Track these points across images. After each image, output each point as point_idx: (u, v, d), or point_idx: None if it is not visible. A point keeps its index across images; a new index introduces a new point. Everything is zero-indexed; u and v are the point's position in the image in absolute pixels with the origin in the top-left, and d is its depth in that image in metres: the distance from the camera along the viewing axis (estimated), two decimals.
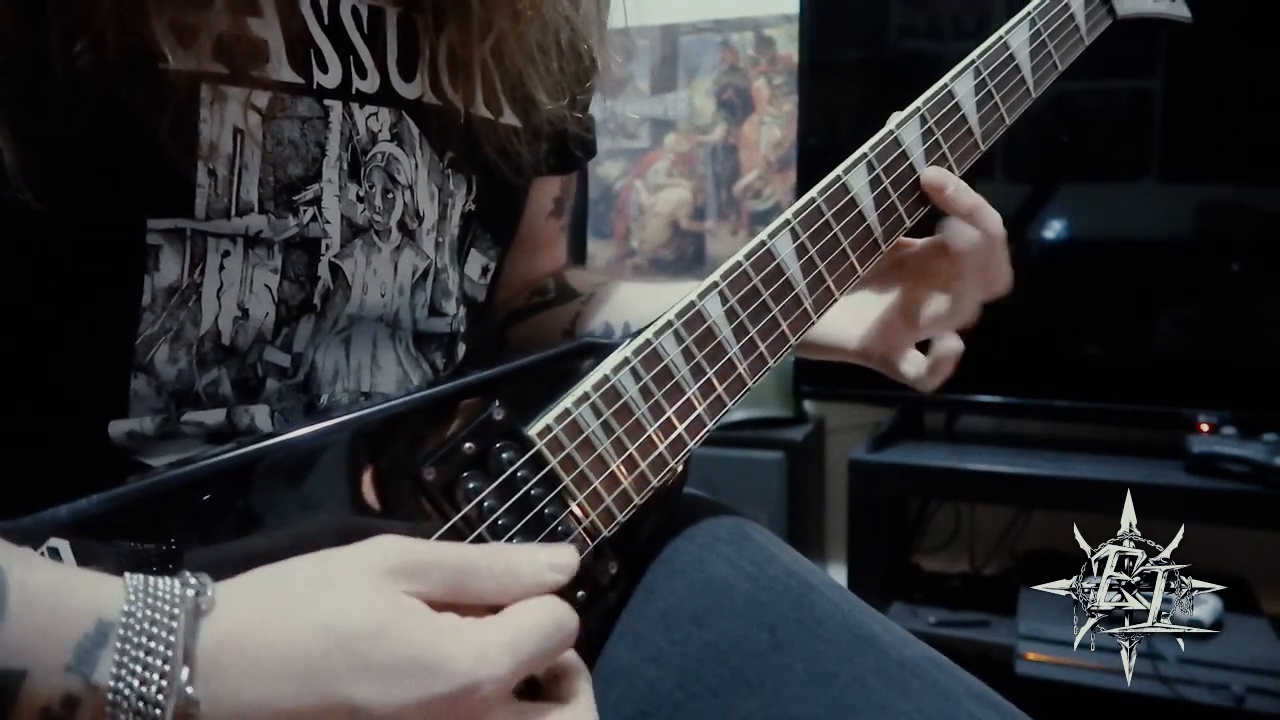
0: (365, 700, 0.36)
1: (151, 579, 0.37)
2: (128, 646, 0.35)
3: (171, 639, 0.35)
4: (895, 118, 0.60)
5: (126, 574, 0.37)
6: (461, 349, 0.63)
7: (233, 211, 0.49)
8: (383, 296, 0.56)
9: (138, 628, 0.35)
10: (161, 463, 0.49)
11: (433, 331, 0.61)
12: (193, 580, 0.37)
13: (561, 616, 0.42)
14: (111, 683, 0.34)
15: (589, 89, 0.68)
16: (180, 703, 0.35)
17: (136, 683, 0.34)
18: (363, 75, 0.54)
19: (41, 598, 0.35)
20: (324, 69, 0.52)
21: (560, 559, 0.45)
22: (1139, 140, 1.62)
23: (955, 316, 0.62)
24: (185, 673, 0.35)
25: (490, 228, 0.64)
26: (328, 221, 0.53)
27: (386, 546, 0.41)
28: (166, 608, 0.36)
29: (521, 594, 0.42)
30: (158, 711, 0.34)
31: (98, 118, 0.44)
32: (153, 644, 0.35)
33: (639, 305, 0.72)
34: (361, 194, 0.54)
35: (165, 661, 0.35)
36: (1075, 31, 0.66)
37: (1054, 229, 1.68)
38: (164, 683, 0.35)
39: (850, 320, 0.66)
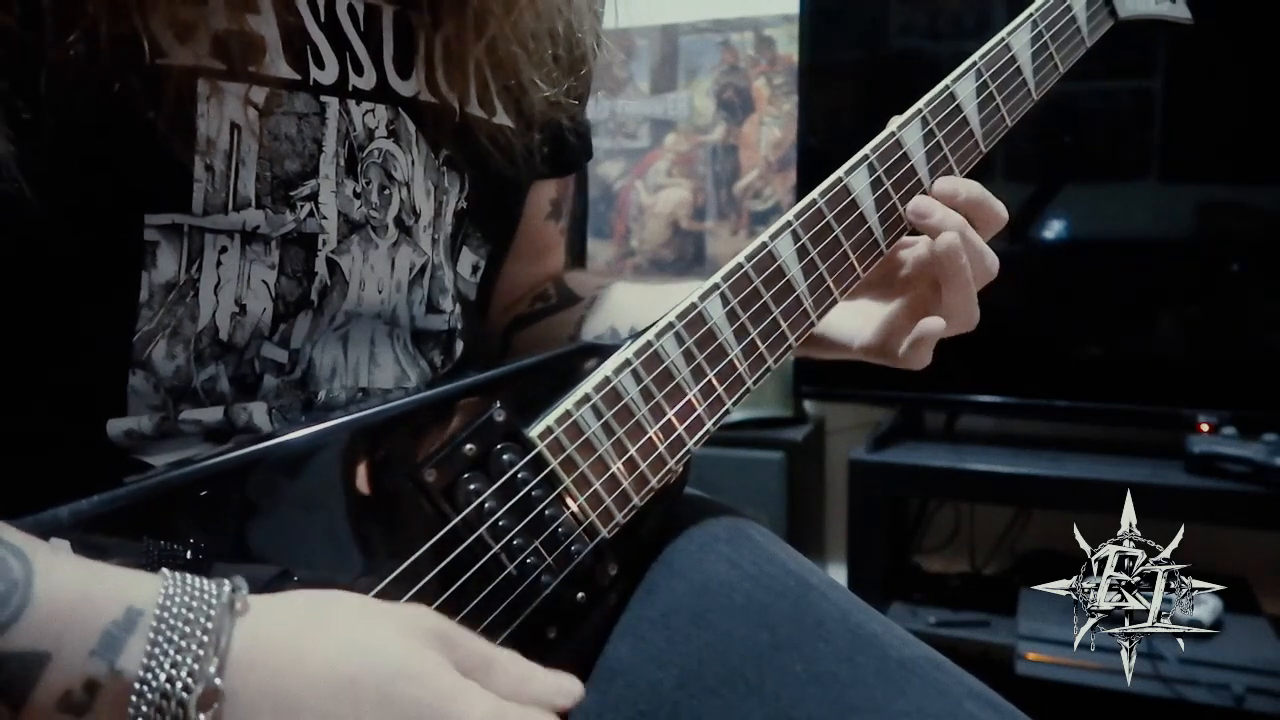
0: None
1: (189, 575, 0.38)
2: (162, 631, 0.35)
3: (209, 625, 0.36)
4: (897, 120, 0.60)
5: (164, 569, 0.38)
6: (459, 347, 0.63)
7: (230, 207, 0.49)
8: (380, 293, 0.56)
9: (174, 615, 0.36)
10: (160, 461, 0.49)
11: (430, 329, 0.61)
12: (228, 581, 0.38)
13: None
14: (140, 670, 0.35)
15: (584, 77, 0.68)
16: (207, 692, 0.35)
17: (168, 667, 0.35)
18: (359, 72, 0.54)
19: (69, 583, 0.35)
20: (320, 65, 0.52)
21: (570, 687, 0.45)
22: (1139, 140, 1.62)
23: (955, 324, 0.61)
24: (215, 664, 0.35)
25: (482, 226, 0.64)
26: (324, 217, 0.53)
27: (423, 612, 0.43)
28: (205, 597, 0.37)
29: (527, 700, 0.43)
30: (185, 694, 0.35)
31: (94, 110, 0.45)
32: (188, 629, 0.35)
33: (643, 309, 0.71)
34: (358, 190, 0.54)
35: (200, 646, 0.35)
36: (1077, 33, 0.65)
37: (1054, 229, 1.68)
38: (195, 666, 0.35)
39: (860, 320, 0.66)
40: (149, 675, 0.35)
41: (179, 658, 0.35)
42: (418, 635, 0.40)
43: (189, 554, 0.41)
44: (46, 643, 0.34)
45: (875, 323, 0.65)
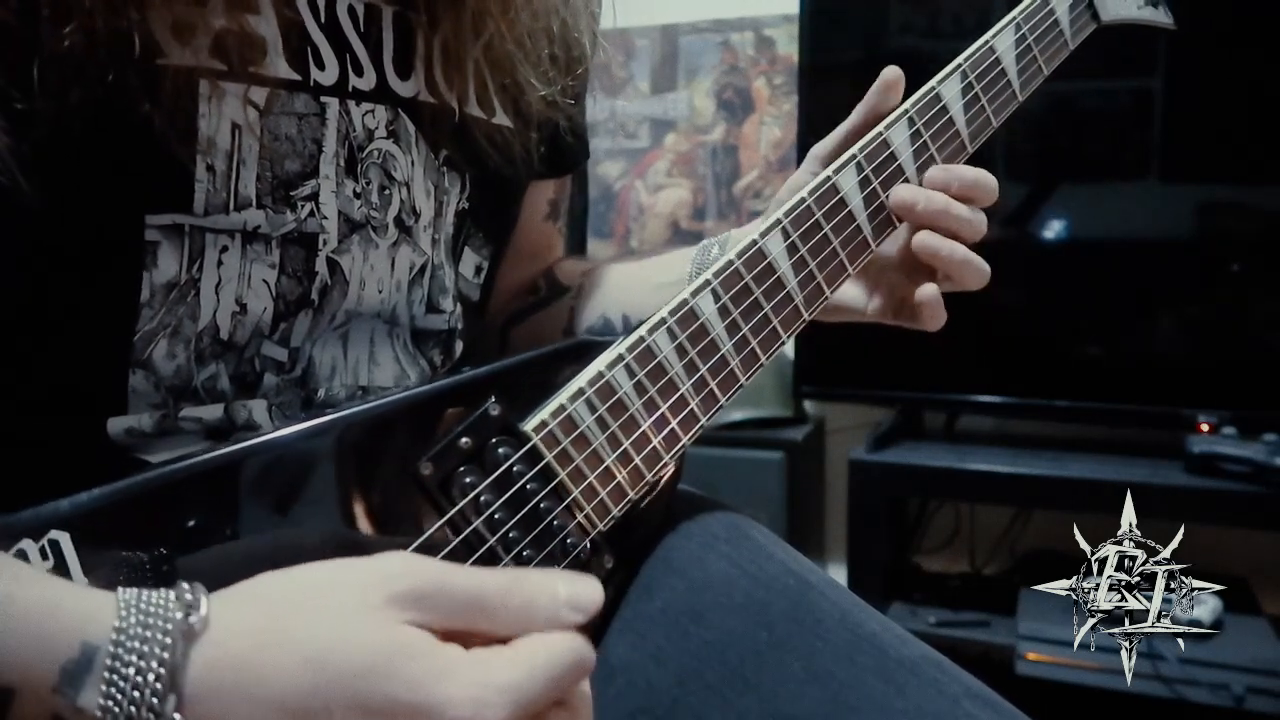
0: None
1: (145, 595, 0.36)
2: (117, 670, 0.34)
3: (165, 656, 0.35)
4: (884, 120, 0.60)
5: (120, 589, 0.36)
6: (459, 347, 0.63)
7: (231, 206, 0.50)
8: (380, 292, 0.56)
9: (127, 650, 0.35)
10: (161, 459, 0.49)
11: (430, 328, 0.61)
12: (188, 595, 0.36)
13: (580, 655, 0.38)
14: (98, 712, 0.34)
15: (580, 77, 0.68)
16: None
17: (127, 705, 0.34)
18: (359, 73, 0.54)
19: (26, 618, 0.34)
20: (320, 66, 0.52)
21: (582, 598, 0.40)
22: (1139, 140, 1.62)
23: (968, 285, 0.61)
24: (173, 700, 0.34)
25: (483, 226, 0.64)
26: (325, 217, 0.53)
27: (393, 569, 0.38)
28: (160, 624, 0.35)
29: (536, 631, 0.39)
30: None
31: (92, 105, 0.45)
32: (143, 663, 0.34)
33: (631, 293, 0.72)
34: (358, 190, 0.54)
35: (158, 680, 0.34)
36: (1060, 36, 0.66)
37: (1054, 229, 1.68)
38: (154, 701, 0.34)
39: (862, 284, 0.65)
40: (109, 717, 0.34)
41: (136, 694, 0.34)
42: (386, 607, 0.37)
43: (186, 550, 0.42)
44: (11, 677, 0.34)
45: (878, 285, 0.64)
